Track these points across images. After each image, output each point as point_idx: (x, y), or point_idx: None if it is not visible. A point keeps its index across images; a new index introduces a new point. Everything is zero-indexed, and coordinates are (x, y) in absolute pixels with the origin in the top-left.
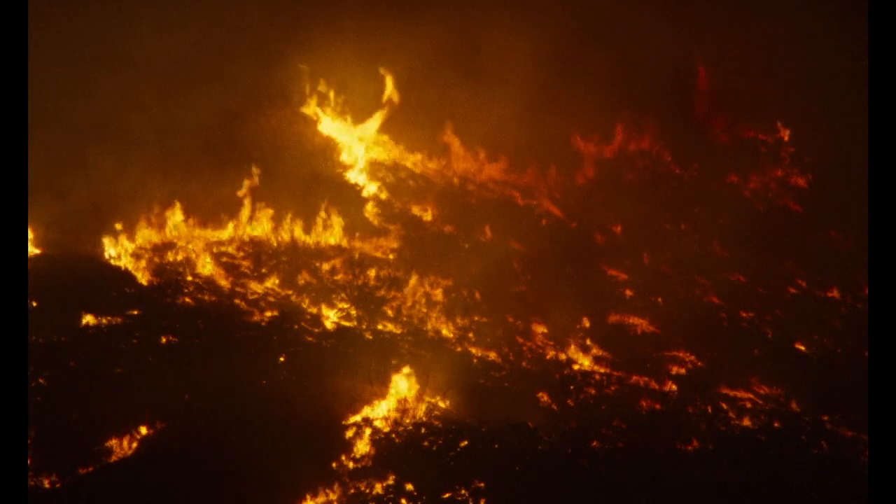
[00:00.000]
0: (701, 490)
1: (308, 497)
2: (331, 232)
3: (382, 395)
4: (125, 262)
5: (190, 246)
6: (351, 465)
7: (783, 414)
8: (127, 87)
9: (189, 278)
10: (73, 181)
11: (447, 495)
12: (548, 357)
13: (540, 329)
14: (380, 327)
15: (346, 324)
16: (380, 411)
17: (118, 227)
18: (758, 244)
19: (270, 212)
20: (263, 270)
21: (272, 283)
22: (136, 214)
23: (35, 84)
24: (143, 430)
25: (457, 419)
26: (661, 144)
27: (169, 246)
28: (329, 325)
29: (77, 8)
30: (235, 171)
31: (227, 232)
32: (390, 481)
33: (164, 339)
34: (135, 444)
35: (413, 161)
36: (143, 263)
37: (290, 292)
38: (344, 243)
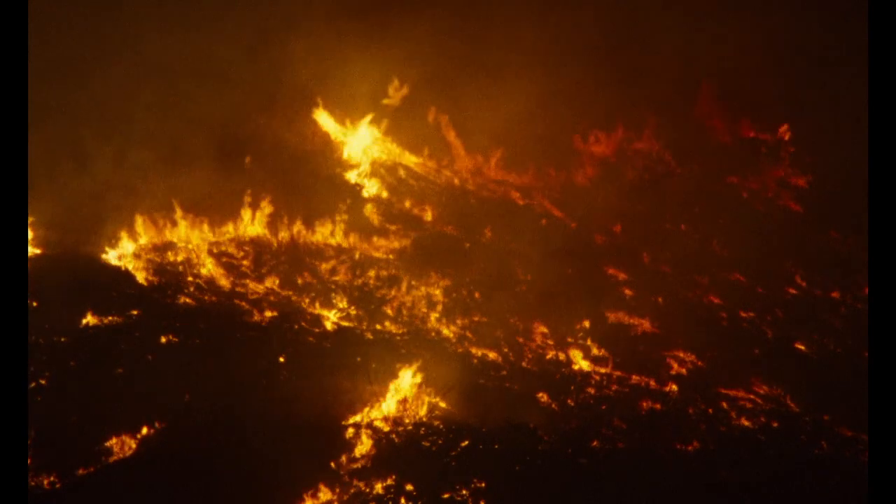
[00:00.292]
0: (701, 490)
1: (308, 497)
2: (331, 232)
3: (382, 395)
4: (125, 262)
5: (190, 246)
6: (351, 465)
7: (783, 414)
8: (129, 87)
9: (189, 278)
10: (73, 181)
11: (447, 495)
12: (548, 357)
13: (540, 329)
14: (380, 327)
15: (346, 324)
16: (380, 411)
17: (118, 227)
18: (758, 244)
19: (270, 211)
20: (263, 270)
21: (272, 283)
22: (136, 214)
23: (36, 83)
24: (144, 430)
25: (457, 419)
26: (661, 144)
27: (169, 246)
28: (329, 325)
29: (77, 7)
30: (236, 170)
31: (227, 232)
32: (390, 481)
33: (164, 339)
34: (135, 444)
35: (413, 161)
36: (143, 263)
37: (290, 292)
38: (344, 243)
